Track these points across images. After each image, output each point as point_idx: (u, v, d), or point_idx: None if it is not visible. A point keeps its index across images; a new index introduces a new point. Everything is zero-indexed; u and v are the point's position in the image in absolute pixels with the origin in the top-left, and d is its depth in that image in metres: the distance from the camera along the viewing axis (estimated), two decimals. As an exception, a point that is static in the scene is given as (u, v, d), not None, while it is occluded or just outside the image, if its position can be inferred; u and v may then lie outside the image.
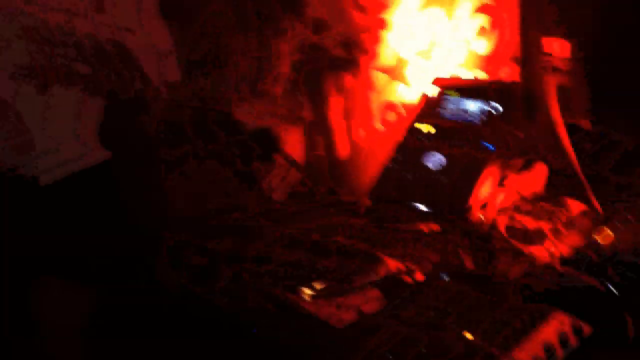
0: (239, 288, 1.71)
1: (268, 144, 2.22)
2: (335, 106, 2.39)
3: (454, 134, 2.15)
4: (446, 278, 1.88)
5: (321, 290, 1.89)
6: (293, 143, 2.37)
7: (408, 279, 1.91)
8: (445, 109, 2.25)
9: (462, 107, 2.22)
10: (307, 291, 1.89)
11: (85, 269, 1.72)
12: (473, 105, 2.19)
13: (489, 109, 2.15)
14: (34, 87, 1.76)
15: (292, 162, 2.36)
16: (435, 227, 2.11)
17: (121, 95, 1.83)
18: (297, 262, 1.92)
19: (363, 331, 1.62)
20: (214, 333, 1.60)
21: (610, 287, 1.75)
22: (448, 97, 2.26)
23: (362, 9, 2.36)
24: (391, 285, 1.91)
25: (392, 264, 1.96)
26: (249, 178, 2.04)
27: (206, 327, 1.61)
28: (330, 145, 2.43)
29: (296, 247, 2.00)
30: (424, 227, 2.13)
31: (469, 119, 2.18)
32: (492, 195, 2.04)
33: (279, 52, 1.66)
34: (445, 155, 2.10)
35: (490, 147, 2.06)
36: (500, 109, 2.15)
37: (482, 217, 2.02)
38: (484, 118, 2.15)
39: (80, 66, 1.83)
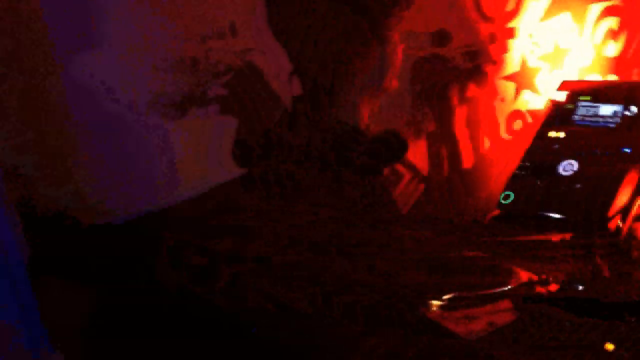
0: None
1: (395, 150, 2.23)
2: (459, 117, 2.38)
3: (587, 138, 2.08)
4: (581, 288, 1.82)
5: (449, 300, 1.88)
6: (417, 153, 2.38)
7: (542, 290, 1.87)
8: (575, 113, 2.19)
9: (593, 110, 2.15)
10: (435, 302, 1.88)
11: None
12: (605, 109, 2.12)
13: (624, 111, 2.07)
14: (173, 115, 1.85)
15: (417, 172, 2.37)
16: (568, 236, 2.06)
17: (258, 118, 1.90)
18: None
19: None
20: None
21: None
22: (578, 101, 2.20)
23: (488, 19, 2.34)
24: (524, 296, 1.88)
25: (524, 275, 1.92)
26: (379, 187, 2.05)
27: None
28: (454, 156, 2.42)
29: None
30: (557, 237, 2.08)
31: (602, 122, 2.11)
32: (630, 202, 1.96)
33: (397, 61, 1.66)
34: (578, 162, 2.04)
35: (629, 151, 1.98)
36: (635, 111, 2.07)
37: (620, 225, 1.94)
38: (619, 121, 2.07)
39: (217, 89, 1.92)
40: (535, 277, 1.90)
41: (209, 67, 1.90)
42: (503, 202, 2.12)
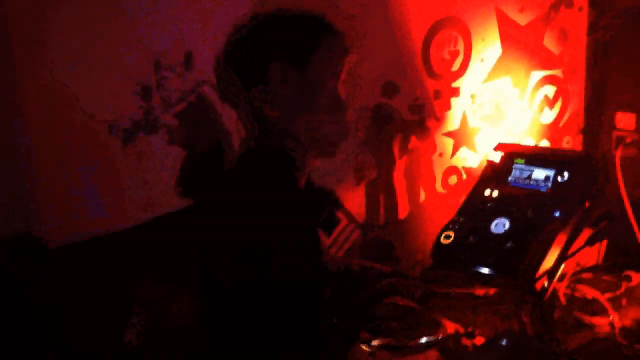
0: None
1: (333, 201, 2.26)
2: (399, 167, 2.44)
3: (519, 200, 2.16)
4: (506, 343, 1.88)
5: (379, 347, 1.91)
6: (356, 200, 2.42)
7: (467, 343, 1.92)
8: (509, 174, 2.27)
9: (527, 173, 2.24)
10: (364, 347, 1.91)
11: None
12: (538, 173, 2.21)
13: (555, 176, 2.17)
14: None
15: (354, 220, 2.40)
16: (493, 291, 2.13)
17: (202, 147, 1.90)
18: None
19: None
20: None
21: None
22: (513, 163, 2.29)
23: (435, 76, 2.43)
24: (450, 347, 1.92)
25: (451, 326, 1.97)
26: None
27: None
28: (391, 205, 2.47)
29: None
30: (484, 291, 2.14)
31: (534, 185, 2.20)
32: (556, 264, 2.04)
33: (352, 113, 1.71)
34: (510, 221, 2.11)
35: (558, 215, 2.06)
36: (566, 177, 2.17)
37: (545, 285, 2.02)
38: (550, 186, 2.16)
39: (167, 119, 1.92)
40: (461, 330, 1.95)
41: (160, 96, 1.91)
42: (443, 241, 2.17)
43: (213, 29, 1.93)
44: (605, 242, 2.38)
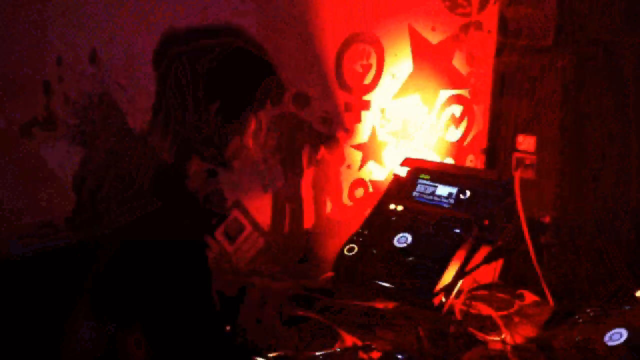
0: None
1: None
2: (307, 177, 2.44)
3: (423, 215, 2.20)
4: (401, 357, 1.90)
5: (274, 359, 1.89)
6: (261, 207, 2.39)
7: (364, 356, 1.93)
8: (414, 189, 2.31)
9: (431, 189, 2.28)
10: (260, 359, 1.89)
11: None
12: (442, 189, 2.26)
13: (458, 194, 2.22)
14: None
15: (259, 227, 2.38)
16: (392, 305, 2.15)
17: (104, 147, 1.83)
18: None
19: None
20: None
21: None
22: (418, 178, 2.33)
23: (347, 88, 2.44)
24: (347, 360, 1.93)
25: (348, 339, 1.98)
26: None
27: None
28: (297, 215, 2.46)
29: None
30: (383, 305, 2.16)
31: (438, 202, 2.24)
32: (454, 280, 2.08)
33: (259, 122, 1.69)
34: (412, 236, 2.14)
35: (459, 231, 2.11)
36: (468, 195, 2.22)
37: (443, 300, 2.05)
38: (453, 202, 2.21)
39: (68, 117, 1.85)
40: (359, 343, 1.96)
41: (61, 92, 1.84)
42: (347, 253, 2.18)
43: (121, 26, 1.88)
44: (501, 261, 2.45)
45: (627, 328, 1.83)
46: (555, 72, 2.55)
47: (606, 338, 1.84)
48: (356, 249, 2.18)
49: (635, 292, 1.94)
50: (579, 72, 2.51)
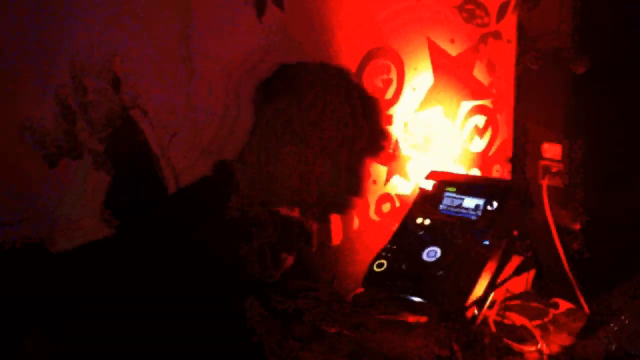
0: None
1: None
2: (332, 194, 2.43)
3: (450, 228, 2.19)
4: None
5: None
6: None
7: (398, 372, 1.92)
8: (440, 202, 2.30)
9: (457, 202, 2.27)
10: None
11: None
12: (469, 201, 2.24)
13: (485, 205, 2.20)
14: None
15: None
16: (424, 319, 2.13)
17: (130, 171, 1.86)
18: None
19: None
20: None
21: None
22: (444, 191, 2.32)
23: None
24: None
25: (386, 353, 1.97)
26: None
27: None
28: (324, 232, 2.46)
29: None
30: (415, 319, 2.15)
31: (465, 214, 2.23)
32: (485, 293, 2.06)
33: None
34: (441, 249, 2.13)
35: (487, 243, 2.09)
36: (495, 206, 2.20)
37: (475, 312, 2.03)
38: (480, 214, 2.19)
39: (93, 143, 1.87)
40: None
41: (86, 119, 1.86)
42: (376, 269, 2.17)
43: (143, 50, 1.90)
44: (533, 270, 2.43)
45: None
46: (576, 77, 2.54)
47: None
48: (385, 264, 2.17)
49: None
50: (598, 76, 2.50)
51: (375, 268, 2.18)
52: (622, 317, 1.94)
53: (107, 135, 1.88)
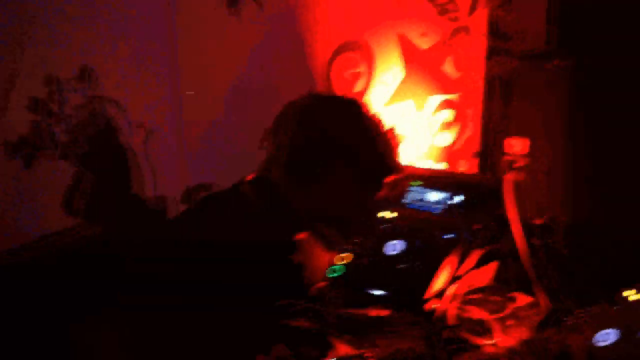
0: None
1: None
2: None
3: (414, 222, 2.21)
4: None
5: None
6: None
7: (359, 366, 1.94)
8: (406, 197, 2.32)
9: (422, 196, 2.29)
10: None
11: None
12: (433, 195, 2.27)
13: (449, 199, 2.23)
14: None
15: None
16: (386, 312, 2.15)
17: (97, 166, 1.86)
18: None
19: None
20: None
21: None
22: (409, 185, 2.34)
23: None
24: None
25: (342, 349, 1.98)
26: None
27: None
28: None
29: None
30: (377, 313, 2.17)
31: (429, 208, 2.25)
32: (446, 285, 2.09)
33: None
34: (403, 243, 2.15)
35: (450, 236, 2.12)
36: (461, 200, 2.22)
37: (435, 306, 2.06)
38: (444, 208, 2.22)
39: (60, 135, 1.87)
40: (352, 352, 1.97)
41: (54, 111, 1.86)
42: (330, 275, 2.19)
43: (113, 43, 1.90)
44: (495, 264, 2.46)
45: (616, 328, 1.84)
46: (551, 75, 2.57)
47: (595, 339, 1.85)
48: (348, 258, 2.19)
49: (624, 291, 1.94)
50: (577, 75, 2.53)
51: (338, 262, 2.20)
52: (579, 313, 1.98)
53: (80, 129, 1.88)
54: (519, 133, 2.65)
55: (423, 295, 2.05)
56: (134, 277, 1.59)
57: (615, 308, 1.94)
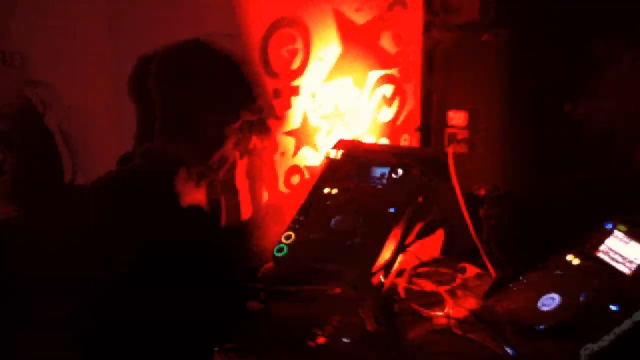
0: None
1: None
2: (240, 168, 2.40)
3: (358, 197, 2.20)
4: (347, 341, 1.90)
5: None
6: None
7: (311, 344, 1.92)
8: (348, 172, 2.31)
9: (364, 170, 2.28)
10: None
11: None
12: (375, 170, 2.26)
13: (391, 173, 2.22)
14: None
15: None
16: (337, 289, 2.14)
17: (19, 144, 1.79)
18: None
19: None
20: None
21: (507, 348, 1.82)
22: (351, 160, 2.33)
23: (274, 75, 2.40)
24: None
25: (292, 325, 1.96)
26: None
27: None
28: (233, 207, 2.43)
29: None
30: (326, 289, 2.15)
31: (372, 182, 2.24)
32: (392, 257, 2.08)
33: None
34: (348, 218, 2.14)
35: (393, 210, 2.11)
36: (401, 173, 2.22)
37: (382, 279, 2.05)
38: (386, 182, 2.21)
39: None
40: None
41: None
42: (277, 254, 2.17)
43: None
44: (442, 236, 2.47)
45: (558, 293, 1.86)
46: (486, 47, 2.58)
47: (539, 304, 1.87)
48: (293, 236, 2.17)
49: (565, 256, 1.97)
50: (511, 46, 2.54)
51: (283, 240, 2.18)
52: (522, 279, 2.00)
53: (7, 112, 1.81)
54: (458, 106, 2.68)
55: (368, 269, 2.04)
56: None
57: (557, 273, 1.96)
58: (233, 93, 1.95)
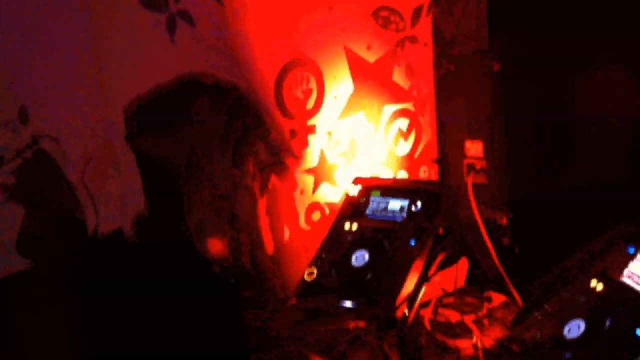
0: None
1: None
2: (261, 207, 2.43)
3: (377, 231, 2.21)
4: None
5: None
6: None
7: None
8: (367, 207, 2.32)
9: (383, 205, 2.29)
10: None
11: None
12: (394, 203, 2.27)
13: (409, 206, 2.23)
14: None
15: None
16: (361, 324, 2.14)
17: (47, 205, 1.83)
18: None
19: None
20: None
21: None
22: (370, 195, 2.34)
23: (290, 115, 2.44)
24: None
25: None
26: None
27: None
28: (255, 244, 2.45)
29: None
30: (349, 324, 2.16)
31: (391, 216, 2.25)
32: (415, 289, 2.09)
33: None
34: (369, 253, 2.15)
35: (413, 243, 2.12)
36: (419, 206, 2.23)
37: (406, 312, 2.05)
38: (405, 215, 2.22)
39: (3, 177, 1.83)
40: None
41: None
42: (307, 279, 2.17)
43: (51, 81, 1.88)
44: (466, 266, 2.47)
45: (584, 319, 1.85)
46: (492, 75, 2.60)
47: (565, 331, 1.85)
48: (315, 273, 2.18)
49: (589, 281, 1.96)
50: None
51: (305, 277, 2.19)
52: (545, 307, 1.98)
53: (18, 167, 1.85)
54: (470, 135, 2.70)
55: (392, 303, 2.04)
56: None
57: (581, 299, 1.95)
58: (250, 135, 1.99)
